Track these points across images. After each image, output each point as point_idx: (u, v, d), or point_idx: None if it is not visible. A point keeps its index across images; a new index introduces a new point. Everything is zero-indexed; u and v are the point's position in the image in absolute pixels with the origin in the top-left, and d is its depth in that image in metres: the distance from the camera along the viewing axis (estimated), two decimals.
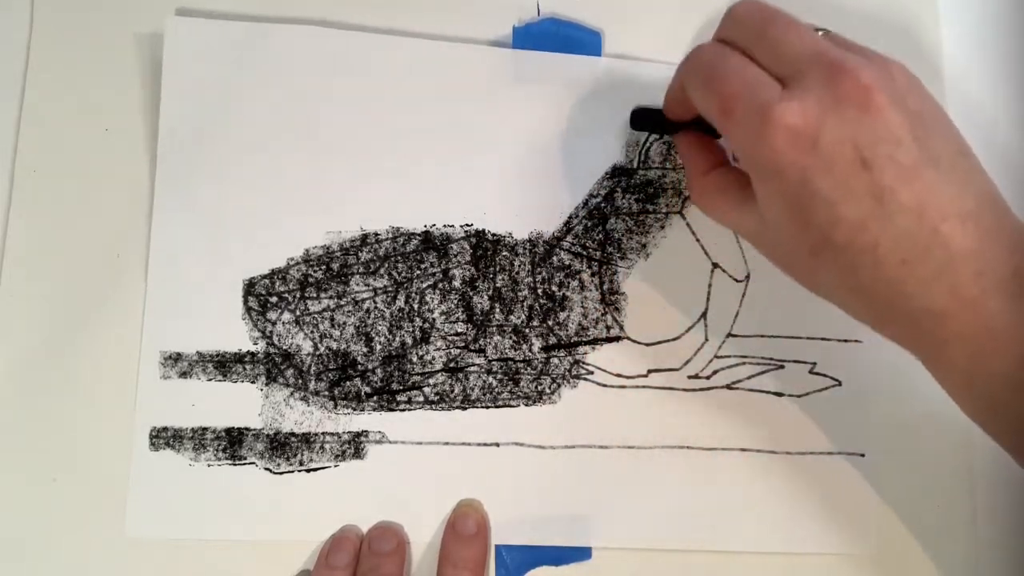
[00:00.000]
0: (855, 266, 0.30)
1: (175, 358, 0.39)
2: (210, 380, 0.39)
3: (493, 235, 0.41)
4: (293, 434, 0.39)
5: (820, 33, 0.33)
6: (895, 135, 0.29)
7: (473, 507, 0.39)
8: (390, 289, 0.40)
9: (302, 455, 0.39)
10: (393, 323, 0.40)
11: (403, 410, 0.40)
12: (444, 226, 0.41)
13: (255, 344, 0.39)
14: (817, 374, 0.41)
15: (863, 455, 0.41)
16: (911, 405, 0.41)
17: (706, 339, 0.41)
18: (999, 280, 0.29)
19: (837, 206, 0.30)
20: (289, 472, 0.39)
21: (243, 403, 0.39)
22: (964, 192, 0.30)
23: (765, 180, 0.31)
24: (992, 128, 0.44)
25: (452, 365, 0.40)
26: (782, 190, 0.31)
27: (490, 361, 0.40)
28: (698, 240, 0.41)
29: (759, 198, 0.32)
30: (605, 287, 0.41)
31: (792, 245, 0.32)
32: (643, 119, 0.40)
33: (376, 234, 0.41)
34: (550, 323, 0.40)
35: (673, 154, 0.42)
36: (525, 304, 0.40)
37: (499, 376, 0.40)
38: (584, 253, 0.41)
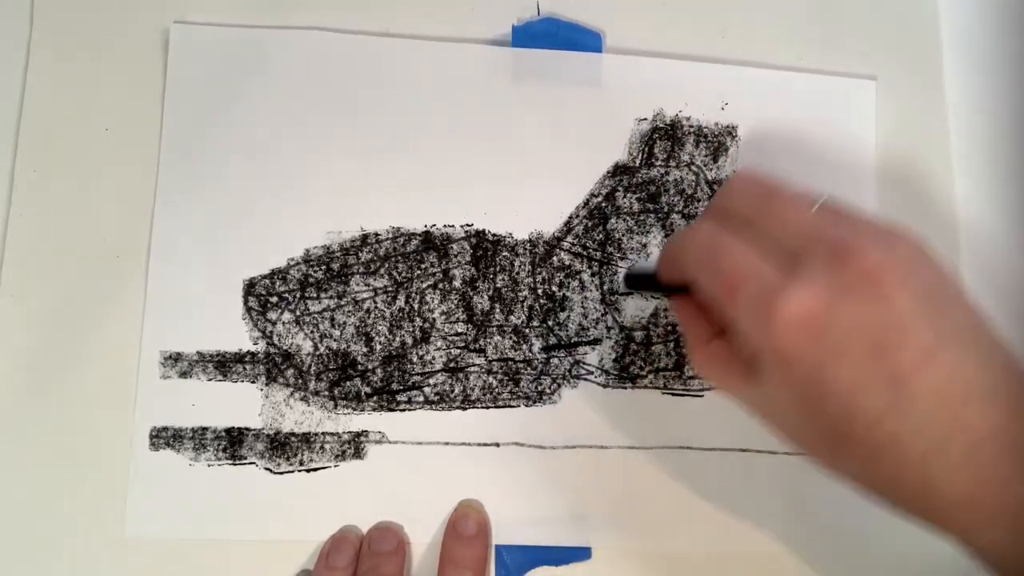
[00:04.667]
0: (876, 459, 0.29)
1: (175, 358, 0.39)
2: (210, 380, 0.39)
3: (493, 235, 0.41)
4: (293, 434, 0.39)
5: (818, 204, 0.31)
6: (906, 319, 0.27)
7: (473, 507, 0.39)
8: (390, 289, 0.40)
9: (302, 455, 0.39)
10: (393, 323, 0.40)
11: (403, 410, 0.40)
12: (444, 226, 0.41)
13: (255, 344, 0.39)
14: None
15: None
16: None
17: None
18: None
19: (853, 399, 0.28)
20: (289, 472, 0.39)
21: (243, 403, 0.39)
22: (984, 369, 0.28)
23: (773, 369, 0.29)
24: (993, 142, 0.44)
25: (452, 365, 0.40)
26: (792, 381, 0.29)
27: (490, 361, 0.40)
28: None
29: (767, 384, 0.30)
30: (605, 287, 0.41)
31: (806, 433, 0.30)
32: (637, 282, 0.39)
33: (376, 234, 0.40)
34: (550, 323, 0.40)
35: (677, 152, 0.42)
36: (525, 304, 0.40)
37: (499, 376, 0.40)
38: (584, 253, 0.41)
